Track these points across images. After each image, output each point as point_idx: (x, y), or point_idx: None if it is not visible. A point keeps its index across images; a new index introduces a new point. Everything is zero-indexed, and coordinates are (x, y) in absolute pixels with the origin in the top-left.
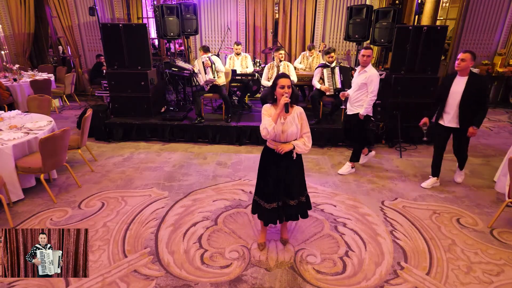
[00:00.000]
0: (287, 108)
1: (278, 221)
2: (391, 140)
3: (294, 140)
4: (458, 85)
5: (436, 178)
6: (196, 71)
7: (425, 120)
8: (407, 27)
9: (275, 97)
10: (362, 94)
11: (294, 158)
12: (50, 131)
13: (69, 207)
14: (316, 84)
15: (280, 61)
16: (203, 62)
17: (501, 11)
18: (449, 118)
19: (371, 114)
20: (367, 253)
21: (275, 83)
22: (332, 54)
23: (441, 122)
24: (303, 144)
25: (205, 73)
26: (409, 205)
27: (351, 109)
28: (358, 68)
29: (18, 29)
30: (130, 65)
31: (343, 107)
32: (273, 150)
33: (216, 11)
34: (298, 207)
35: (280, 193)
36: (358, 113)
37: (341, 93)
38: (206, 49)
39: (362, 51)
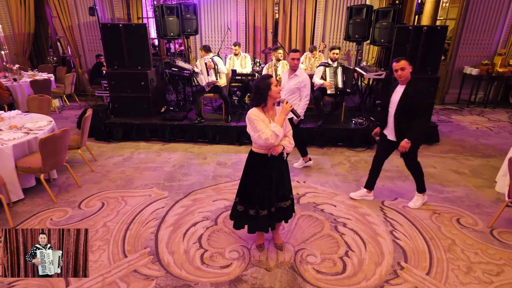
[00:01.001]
0: (296, 113)
1: (269, 229)
2: None
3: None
4: (397, 94)
5: (367, 190)
6: (197, 71)
7: (377, 130)
8: (407, 27)
9: (267, 97)
10: (295, 99)
11: (285, 158)
12: (50, 131)
13: (69, 207)
14: (318, 80)
15: (279, 60)
16: (205, 64)
17: (501, 11)
18: (389, 130)
19: (303, 118)
20: (367, 253)
21: (268, 83)
22: (337, 51)
23: (384, 131)
24: (289, 143)
25: (208, 75)
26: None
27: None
28: (287, 72)
29: (18, 29)
30: (130, 65)
31: None
32: (262, 155)
33: (216, 11)
34: (291, 206)
35: (272, 197)
36: (291, 118)
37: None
38: (207, 49)
39: (291, 54)
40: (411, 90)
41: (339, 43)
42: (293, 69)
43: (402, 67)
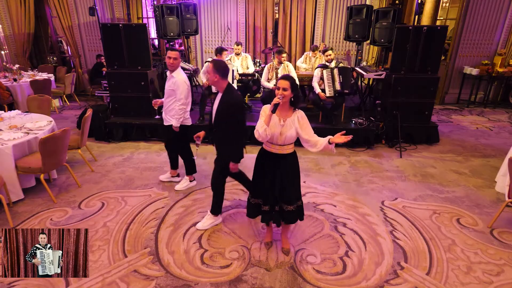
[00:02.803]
0: (274, 108)
1: (271, 223)
2: (391, 140)
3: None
4: (216, 102)
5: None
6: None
7: (201, 133)
8: (407, 27)
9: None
10: (173, 103)
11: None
12: (50, 131)
13: (69, 207)
14: (316, 87)
15: (281, 63)
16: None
17: (501, 11)
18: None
19: (189, 123)
20: (367, 253)
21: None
22: (329, 52)
23: None
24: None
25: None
26: (409, 205)
27: (166, 120)
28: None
29: (18, 29)
30: (130, 65)
31: (157, 116)
32: (269, 153)
33: (216, 11)
34: (296, 211)
35: (276, 196)
36: (171, 125)
37: (153, 101)
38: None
39: (168, 52)
40: (223, 101)
41: (339, 43)
42: (170, 69)
43: (209, 71)
